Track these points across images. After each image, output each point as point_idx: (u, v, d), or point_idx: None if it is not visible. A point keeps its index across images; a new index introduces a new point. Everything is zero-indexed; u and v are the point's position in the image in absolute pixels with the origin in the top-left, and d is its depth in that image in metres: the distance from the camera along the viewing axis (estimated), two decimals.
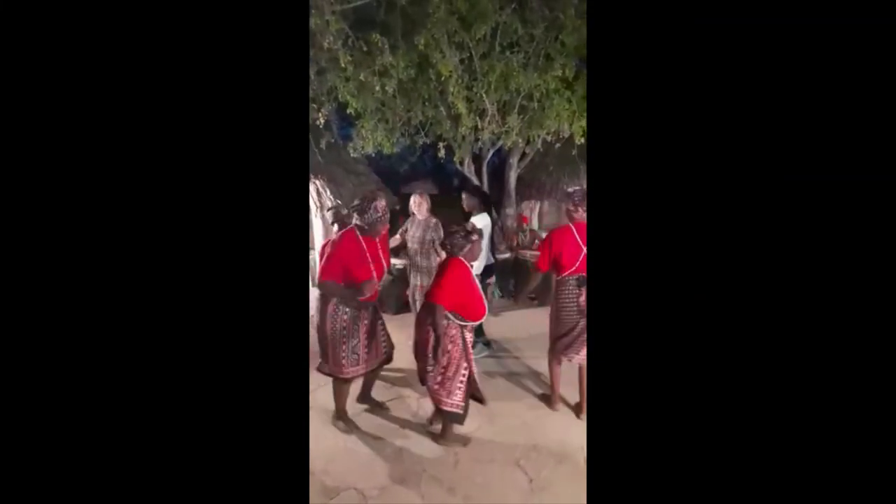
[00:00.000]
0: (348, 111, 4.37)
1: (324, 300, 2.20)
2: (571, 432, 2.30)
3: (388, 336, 2.43)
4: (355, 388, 2.47)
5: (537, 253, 2.69)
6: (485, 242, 3.00)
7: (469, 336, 2.16)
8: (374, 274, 2.18)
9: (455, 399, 2.12)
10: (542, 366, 2.73)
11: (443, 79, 4.08)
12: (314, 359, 2.22)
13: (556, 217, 6.00)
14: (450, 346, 2.08)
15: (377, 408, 2.57)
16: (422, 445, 2.23)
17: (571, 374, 2.49)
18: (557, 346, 2.43)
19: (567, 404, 2.57)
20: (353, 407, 2.50)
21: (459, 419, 2.16)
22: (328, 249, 2.22)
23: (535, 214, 6.29)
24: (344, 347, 2.19)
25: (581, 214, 2.38)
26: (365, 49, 3.82)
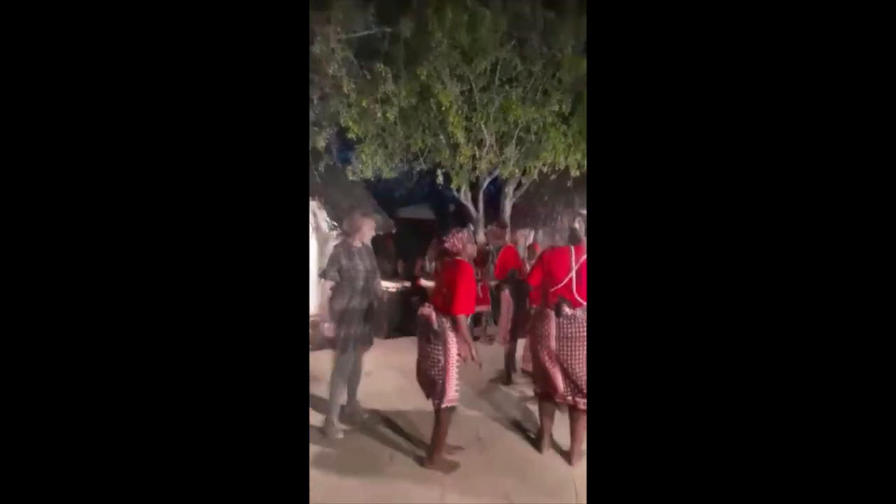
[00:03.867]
0: (349, 136, 4.46)
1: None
2: (562, 467, 2.25)
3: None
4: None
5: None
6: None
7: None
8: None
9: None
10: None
11: (443, 108, 4.19)
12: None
13: (550, 244, 6.07)
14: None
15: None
16: (408, 476, 2.17)
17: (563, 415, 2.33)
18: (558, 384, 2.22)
19: (557, 448, 2.39)
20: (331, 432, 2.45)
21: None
22: None
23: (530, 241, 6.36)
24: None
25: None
26: (368, 77, 3.93)
